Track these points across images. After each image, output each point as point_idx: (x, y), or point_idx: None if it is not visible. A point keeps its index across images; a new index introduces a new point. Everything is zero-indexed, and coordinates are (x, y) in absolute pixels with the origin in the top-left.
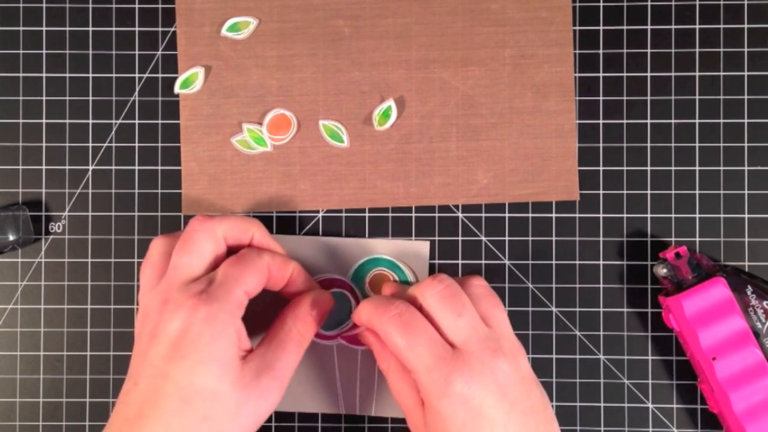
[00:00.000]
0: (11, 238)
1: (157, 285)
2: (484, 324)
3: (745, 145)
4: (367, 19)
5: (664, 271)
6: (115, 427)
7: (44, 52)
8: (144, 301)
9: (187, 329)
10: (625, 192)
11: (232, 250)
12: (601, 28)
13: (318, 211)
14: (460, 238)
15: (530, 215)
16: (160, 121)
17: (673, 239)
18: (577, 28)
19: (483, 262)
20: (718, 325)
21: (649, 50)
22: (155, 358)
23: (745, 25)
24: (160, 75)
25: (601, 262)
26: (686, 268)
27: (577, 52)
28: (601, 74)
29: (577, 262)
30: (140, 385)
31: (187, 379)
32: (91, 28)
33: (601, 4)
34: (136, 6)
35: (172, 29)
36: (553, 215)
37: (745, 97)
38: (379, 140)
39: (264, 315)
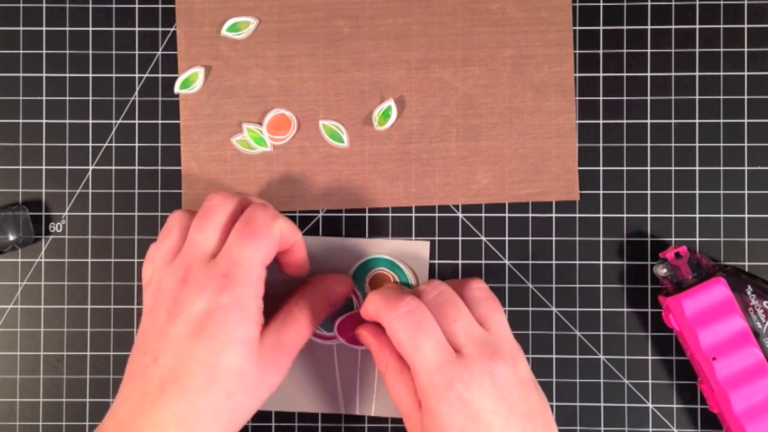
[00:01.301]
0: (11, 238)
1: (174, 260)
2: (483, 327)
3: (745, 145)
4: (367, 19)
5: (664, 271)
6: (134, 401)
7: (44, 52)
8: (158, 276)
9: (213, 311)
10: (625, 192)
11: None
12: (601, 28)
13: (318, 211)
14: (460, 238)
15: (530, 215)
16: (160, 121)
17: (673, 239)
18: (577, 28)
19: (483, 262)
20: (718, 325)
21: (649, 50)
22: (177, 335)
23: (745, 25)
24: (160, 75)
25: (601, 262)
26: (686, 268)
27: (577, 52)
28: (601, 74)
29: (577, 262)
30: (161, 361)
31: (214, 358)
32: (91, 28)
33: (601, 4)
34: (136, 6)
35: (172, 29)
36: (553, 215)
37: (745, 97)
38: (379, 140)
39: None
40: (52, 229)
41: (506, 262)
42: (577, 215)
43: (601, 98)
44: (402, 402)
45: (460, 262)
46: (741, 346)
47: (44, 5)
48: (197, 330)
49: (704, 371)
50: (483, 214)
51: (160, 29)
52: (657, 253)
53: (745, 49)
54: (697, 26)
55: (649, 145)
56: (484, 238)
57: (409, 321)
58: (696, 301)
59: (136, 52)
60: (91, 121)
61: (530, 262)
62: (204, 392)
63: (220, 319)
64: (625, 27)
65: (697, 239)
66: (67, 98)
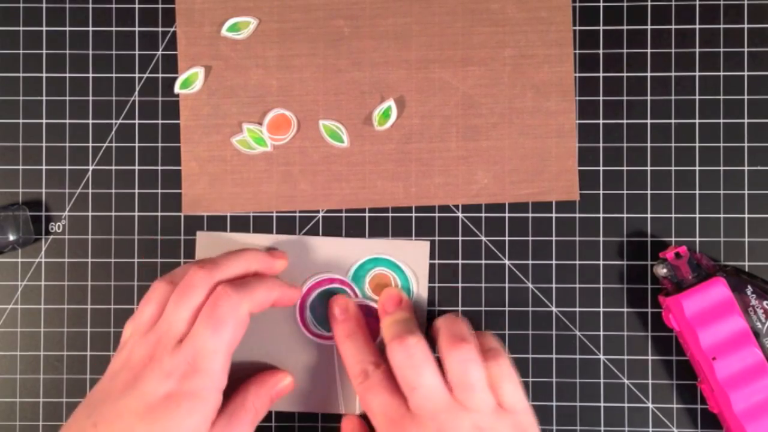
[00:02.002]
0: (11, 238)
1: (148, 333)
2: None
3: (745, 145)
4: (367, 19)
5: (664, 271)
6: None
7: (44, 52)
8: (132, 343)
9: (169, 398)
10: (625, 192)
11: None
12: (601, 28)
13: (318, 211)
14: (460, 238)
15: (530, 215)
16: (160, 121)
17: (673, 239)
18: (577, 28)
19: (483, 262)
20: (718, 325)
21: (649, 50)
22: (126, 409)
23: (745, 25)
24: (160, 75)
25: (601, 262)
26: (686, 268)
27: (577, 52)
28: (601, 74)
29: (577, 262)
30: (100, 429)
31: None
32: (91, 28)
33: (601, 4)
34: (136, 6)
35: (172, 29)
36: (553, 215)
37: (745, 97)
38: (379, 140)
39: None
40: (52, 229)
41: (506, 262)
42: (577, 215)
43: (601, 98)
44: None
45: (460, 262)
46: (741, 346)
47: (44, 5)
48: (148, 411)
49: (704, 371)
50: (483, 214)
51: (160, 29)
52: (657, 253)
53: (745, 49)
54: (697, 26)
55: (649, 145)
56: (484, 238)
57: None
58: (696, 301)
59: (136, 52)
60: (91, 121)
61: (530, 262)
62: None
63: (174, 406)
64: (625, 27)
65: (697, 239)
66: (67, 98)
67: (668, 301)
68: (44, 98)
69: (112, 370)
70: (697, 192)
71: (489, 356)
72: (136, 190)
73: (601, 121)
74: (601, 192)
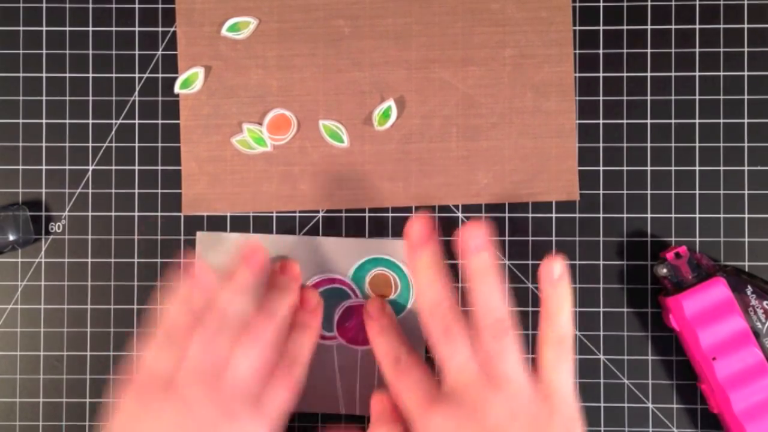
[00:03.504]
0: (11, 238)
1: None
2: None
3: (745, 145)
4: (367, 19)
5: (664, 271)
6: None
7: (44, 52)
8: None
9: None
10: (625, 192)
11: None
12: (601, 28)
13: (318, 211)
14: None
15: (530, 215)
16: (160, 121)
17: (673, 239)
18: (577, 28)
19: None
20: (718, 325)
21: (649, 50)
22: None
23: (745, 25)
24: (160, 75)
25: (601, 262)
26: (686, 268)
27: (577, 52)
28: (601, 74)
29: (577, 262)
30: None
31: None
32: (91, 28)
33: (601, 4)
34: (136, 6)
35: (172, 29)
36: (553, 215)
37: (745, 97)
38: (379, 140)
39: None
40: (52, 229)
41: (506, 262)
42: (577, 215)
43: (601, 98)
44: None
45: (460, 262)
46: (741, 346)
47: (44, 5)
48: None
49: (704, 371)
50: (483, 214)
51: (160, 29)
52: (657, 253)
53: (745, 49)
54: (697, 26)
55: (649, 145)
56: None
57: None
58: (696, 301)
59: (136, 52)
60: (91, 121)
61: (530, 262)
62: None
63: None
64: (625, 27)
65: (697, 239)
66: (67, 98)
67: (668, 301)
68: (44, 98)
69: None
70: (697, 192)
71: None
72: (136, 190)
73: (601, 121)
74: (601, 192)
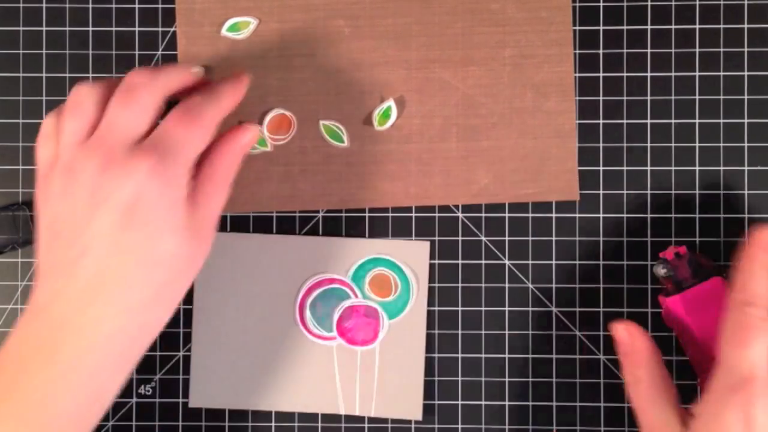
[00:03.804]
0: (11, 238)
1: (88, 141)
2: None
3: (745, 145)
4: (367, 19)
5: (664, 271)
6: (70, 298)
7: (44, 52)
8: (68, 156)
9: (142, 195)
10: (625, 192)
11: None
12: (601, 28)
13: (318, 211)
14: (460, 238)
15: (530, 215)
16: (160, 121)
17: (673, 239)
18: (577, 28)
19: (483, 262)
20: (718, 325)
21: (649, 50)
22: (103, 227)
23: (745, 25)
24: None
25: (601, 262)
26: (686, 268)
27: (577, 52)
28: (601, 74)
29: (577, 262)
30: (92, 254)
31: (148, 248)
32: (91, 28)
33: (601, 4)
34: (136, 6)
35: (172, 29)
36: (553, 215)
37: (745, 97)
38: (379, 140)
39: None
40: None
41: (506, 262)
42: (577, 215)
43: (601, 98)
44: (656, 419)
45: (460, 262)
46: None
47: (44, 5)
48: (126, 219)
49: (704, 371)
50: (483, 214)
51: (160, 29)
52: (657, 253)
53: (745, 49)
54: (697, 26)
55: (649, 145)
56: (484, 238)
57: None
58: (696, 301)
59: (136, 52)
60: None
61: (530, 262)
62: (141, 284)
63: (151, 204)
64: (625, 27)
65: (697, 239)
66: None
67: (668, 301)
68: (44, 98)
69: (55, 192)
70: (697, 192)
71: None
72: None
73: (601, 121)
74: (601, 192)
